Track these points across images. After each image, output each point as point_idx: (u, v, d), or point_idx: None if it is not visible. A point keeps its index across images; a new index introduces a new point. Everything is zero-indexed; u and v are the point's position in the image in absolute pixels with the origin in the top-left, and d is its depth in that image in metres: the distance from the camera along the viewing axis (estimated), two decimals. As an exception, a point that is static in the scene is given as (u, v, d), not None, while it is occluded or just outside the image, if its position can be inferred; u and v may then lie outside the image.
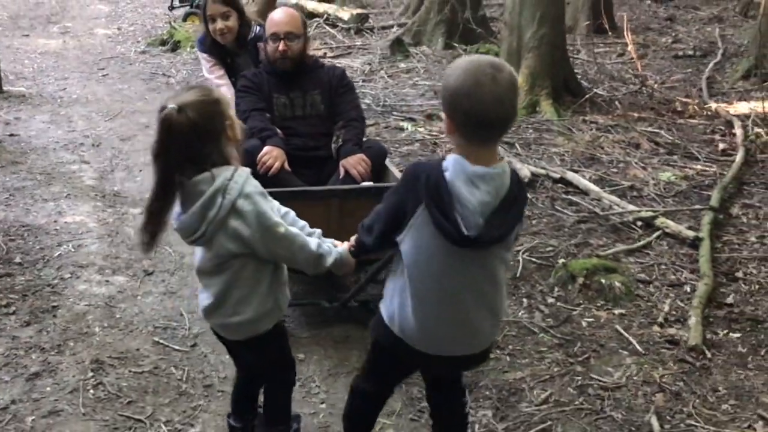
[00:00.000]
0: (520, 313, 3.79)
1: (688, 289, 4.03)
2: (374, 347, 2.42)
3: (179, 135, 2.15)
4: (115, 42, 10.28)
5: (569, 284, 3.99)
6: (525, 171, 5.34)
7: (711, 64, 8.66)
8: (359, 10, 10.99)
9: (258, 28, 4.45)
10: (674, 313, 3.82)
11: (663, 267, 4.26)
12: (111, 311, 3.78)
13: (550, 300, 3.92)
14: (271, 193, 2.37)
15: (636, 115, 6.91)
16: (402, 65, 8.75)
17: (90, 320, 3.69)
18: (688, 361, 3.42)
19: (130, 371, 3.31)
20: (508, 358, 3.43)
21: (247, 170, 2.29)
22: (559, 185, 5.33)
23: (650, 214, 4.80)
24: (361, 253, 2.43)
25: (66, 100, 7.50)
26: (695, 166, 5.74)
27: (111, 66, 8.93)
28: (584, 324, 3.72)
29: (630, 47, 8.25)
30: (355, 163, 3.75)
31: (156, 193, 2.23)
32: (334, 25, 10.58)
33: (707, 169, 5.69)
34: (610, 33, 9.45)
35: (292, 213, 2.46)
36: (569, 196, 5.15)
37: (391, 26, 10.68)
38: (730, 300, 3.94)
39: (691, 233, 4.51)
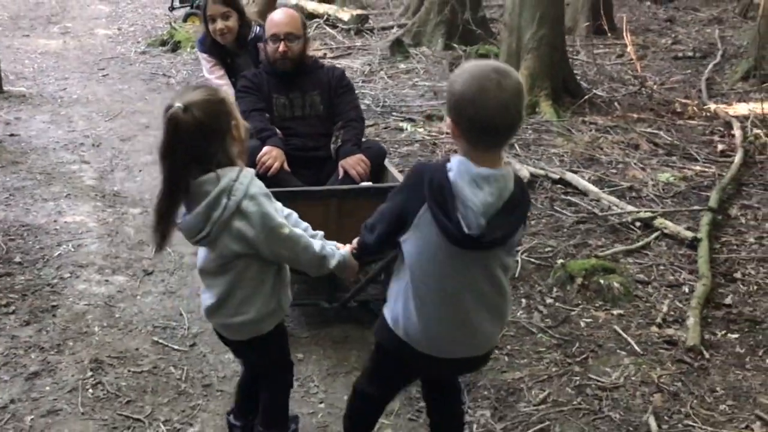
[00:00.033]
0: (518, 314, 3.79)
1: (687, 290, 4.03)
2: (378, 351, 2.41)
3: (185, 134, 2.16)
4: (115, 42, 10.29)
5: (568, 284, 4.00)
6: (524, 171, 5.35)
7: (710, 66, 8.68)
8: (359, 11, 11.00)
9: (258, 28, 4.45)
10: (672, 313, 3.82)
11: (661, 267, 4.27)
12: (110, 311, 3.79)
13: (549, 300, 3.93)
14: (270, 194, 2.38)
15: (635, 116, 6.92)
16: (402, 66, 8.77)
17: (89, 320, 3.70)
18: (686, 362, 3.42)
19: (129, 371, 3.31)
20: (506, 358, 3.44)
21: (251, 171, 2.29)
22: (558, 186, 5.34)
23: (649, 214, 4.80)
24: (363, 254, 2.43)
25: (66, 100, 7.51)
26: (694, 167, 5.75)
27: (111, 66, 8.94)
28: (583, 324, 3.72)
29: (629, 48, 8.26)
30: (354, 163, 3.76)
31: (164, 193, 2.23)
32: (334, 26, 10.59)
33: (706, 170, 5.70)
34: (609, 34, 9.45)
35: (295, 215, 2.46)
36: (568, 197, 5.16)
37: (391, 27, 10.69)
38: (728, 301, 3.94)
39: (689, 234, 4.52)
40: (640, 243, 4.51)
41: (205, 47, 4.55)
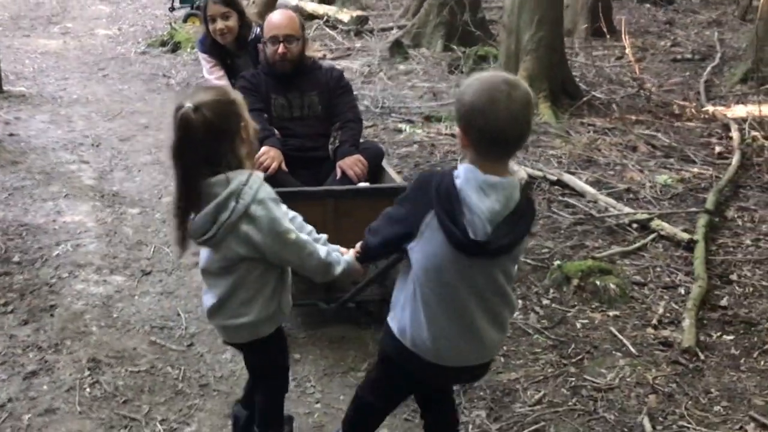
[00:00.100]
0: (515, 315, 3.81)
1: (683, 292, 4.05)
2: (383, 361, 2.40)
3: (195, 134, 2.16)
4: (115, 42, 10.31)
5: (564, 286, 4.01)
6: (522, 173, 5.36)
7: (709, 68, 8.70)
8: (359, 12, 11.03)
9: (258, 29, 4.46)
10: (668, 315, 3.83)
11: (658, 269, 4.28)
12: (108, 310, 3.80)
13: (545, 301, 3.94)
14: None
15: (633, 118, 6.94)
16: (401, 67, 8.79)
17: (87, 319, 3.71)
18: (682, 363, 3.43)
19: (126, 370, 3.33)
20: (502, 359, 3.45)
21: (261, 175, 2.29)
22: (556, 187, 5.35)
23: (646, 216, 4.81)
24: (367, 258, 2.43)
25: (66, 100, 7.53)
26: (692, 169, 5.76)
27: (111, 66, 8.96)
28: (578, 325, 3.74)
29: (628, 50, 8.27)
30: (351, 163, 3.78)
31: (181, 194, 2.24)
32: (333, 27, 10.62)
33: (703, 172, 5.72)
34: (608, 36, 9.47)
35: (300, 217, 2.46)
36: (566, 198, 5.18)
37: (391, 28, 10.72)
38: (724, 302, 3.95)
39: (686, 236, 4.53)
40: (637, 245, 4.52)
41: (205, 47, 4.56)
